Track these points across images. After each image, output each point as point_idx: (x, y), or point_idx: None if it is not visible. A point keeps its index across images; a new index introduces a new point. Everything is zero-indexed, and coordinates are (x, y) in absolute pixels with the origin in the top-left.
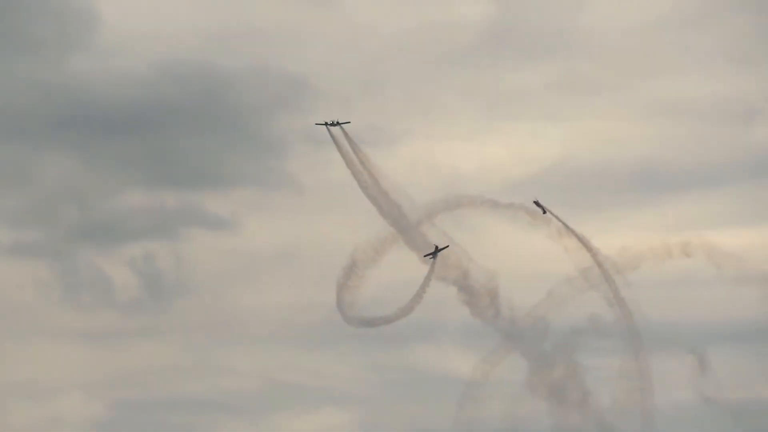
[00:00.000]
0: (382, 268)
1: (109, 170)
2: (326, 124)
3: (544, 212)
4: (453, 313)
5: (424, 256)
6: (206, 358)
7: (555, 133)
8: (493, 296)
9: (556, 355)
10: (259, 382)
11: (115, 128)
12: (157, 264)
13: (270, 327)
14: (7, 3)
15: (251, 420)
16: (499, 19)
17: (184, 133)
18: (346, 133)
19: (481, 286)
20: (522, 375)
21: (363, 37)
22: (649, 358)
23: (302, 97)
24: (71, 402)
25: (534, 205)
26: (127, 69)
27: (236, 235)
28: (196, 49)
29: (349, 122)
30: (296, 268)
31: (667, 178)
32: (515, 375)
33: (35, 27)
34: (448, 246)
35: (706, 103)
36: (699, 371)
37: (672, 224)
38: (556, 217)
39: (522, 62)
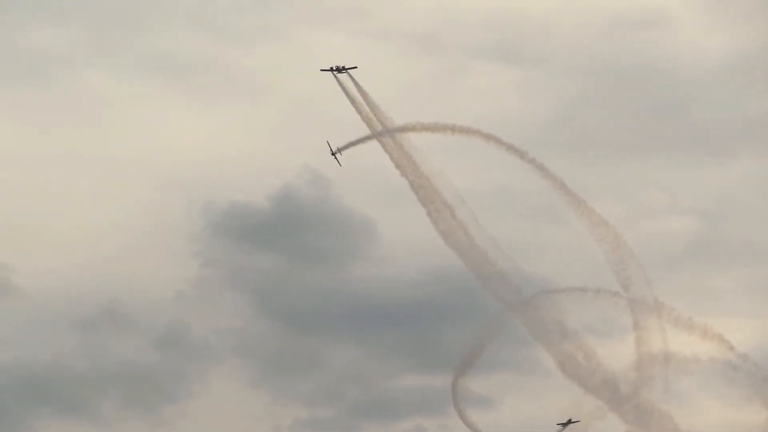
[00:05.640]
0: None
1: (386, 357)
2: (332, 69)
3: (333, 154)
4: None
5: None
6: None
7: (749, 327)
8: None
9: None
10: None
11: (391, 323)
12: None
13: None
14: (303, 224)
15: None
16: (702, 231)
17: (449, 326)
18: (355, 81)
19: None
20: None
21: (587, 248)
22: None
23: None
24: None
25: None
26: (399, 274)
27: (495, 412)
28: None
29: (356, 67)
30: None
31: None
32: None
33: (325, 241)
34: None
35: None
36: None
37: None
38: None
39: (722, 267)
